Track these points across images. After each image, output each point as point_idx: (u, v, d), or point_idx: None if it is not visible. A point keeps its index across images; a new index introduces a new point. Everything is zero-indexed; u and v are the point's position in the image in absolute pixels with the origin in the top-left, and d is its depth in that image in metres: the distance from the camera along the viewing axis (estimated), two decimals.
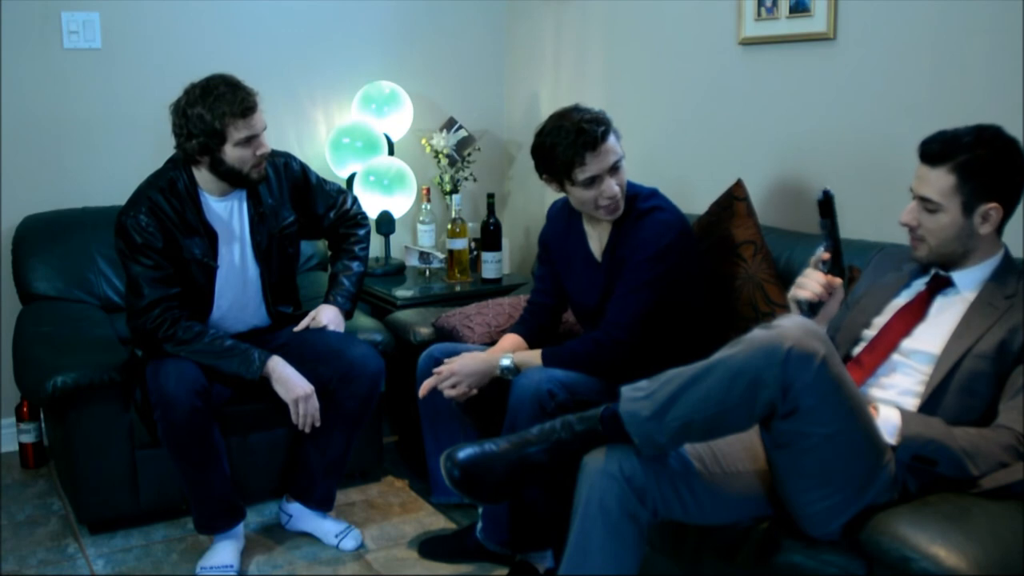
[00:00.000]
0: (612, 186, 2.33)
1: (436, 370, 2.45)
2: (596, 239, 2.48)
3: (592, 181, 2.32)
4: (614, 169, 2.33)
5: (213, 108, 2.41)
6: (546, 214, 2.67)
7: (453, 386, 2.41)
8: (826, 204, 1.98)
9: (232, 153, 2.46)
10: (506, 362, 2.40)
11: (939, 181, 1.88)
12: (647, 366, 2.02)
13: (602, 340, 2.36)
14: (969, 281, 1.95)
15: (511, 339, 2.58)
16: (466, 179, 3.74)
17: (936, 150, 1.88)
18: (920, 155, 1.92)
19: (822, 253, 1.98)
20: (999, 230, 1.94)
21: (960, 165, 1.86)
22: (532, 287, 2.71)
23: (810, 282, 1.95)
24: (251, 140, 2.47)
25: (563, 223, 2.57)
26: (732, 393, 1.69)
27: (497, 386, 2.42)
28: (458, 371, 2.41)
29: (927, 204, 1.91)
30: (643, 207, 2.39)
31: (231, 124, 2.42)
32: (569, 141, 2.29)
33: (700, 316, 2.49)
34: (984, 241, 1.92)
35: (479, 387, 2.42)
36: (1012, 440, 1.76)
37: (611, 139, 2.32)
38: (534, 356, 2.40)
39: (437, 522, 2.82)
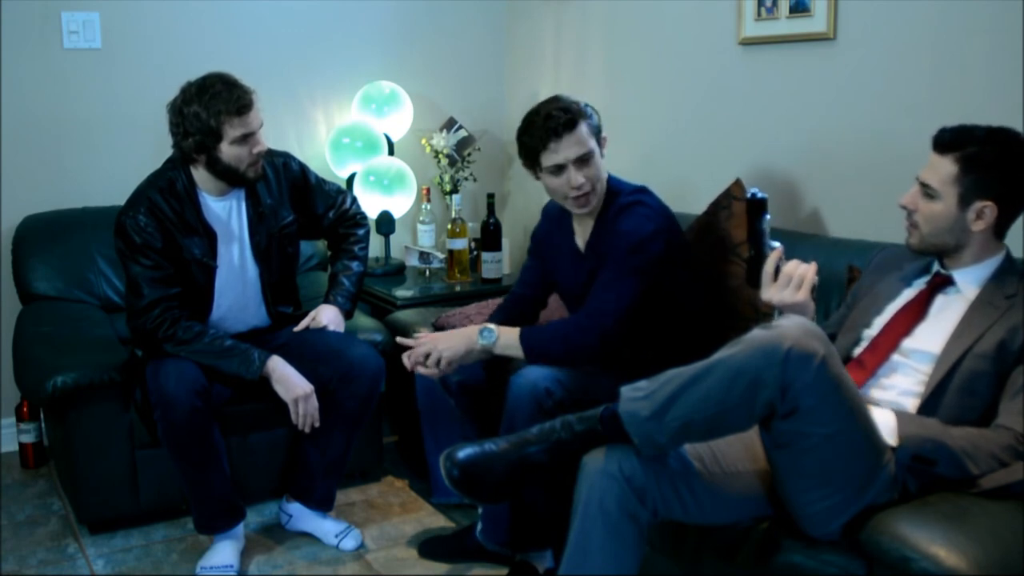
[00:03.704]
0: (577, 177, 2.31)
1: (413, 347, 2.41)
2: (581, 233, 2.49)
3: (558, 169, 2.32)
4: (582, 161, 2.32)
5: (209, 106, 2.41)
6: (542, 211, 2.67)
7: (436, 363, 2.35)
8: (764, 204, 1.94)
9: (228, 151, 2.46)
10: (488, 326, 2.35)
11: (942, 169, 1.89)
12: (642, 364, 2.03)
13: (585, 324, 2.32)
14: (970, 280, 1.95)
15: None
16: (466, 179, 3.74)
17: (947, 138, 1.89)
18: (932, 142, 1.92)
19: (778, 250, 1.91)
20: (1001, 232, 1.94)
21: (966, 157, 1.87)
22: (517, 279, 2.71)
23: (805, 272, 1.89)
24: (247, 138, 2.47)
25: (555, 219, 2.57)
26: (732, 393, 1.69)
27: (495, 381, 2.40)
28: (435, 344, 2.36)
29: (926, 189, 1.92)
30: (625, 202, 2.39)
31: (227, 122, 2.42)
32: (537, 126, 2.30)
33: (697, 318, 2.49)
34: (979, 238, 1.92)
35: (461, 363, 2.37)
36: (1011, 440, 1.76)
37: (580, 131, 2.30)
38: (512, 330, 2.36)
39: (437, 522, 2.82)
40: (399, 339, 2.48)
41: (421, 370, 2.39)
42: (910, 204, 1.96)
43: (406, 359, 2.43)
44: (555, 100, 2.35)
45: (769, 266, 1.92)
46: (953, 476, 1.76)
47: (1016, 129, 1.91)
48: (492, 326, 2.36)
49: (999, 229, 1.93)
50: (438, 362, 2.36)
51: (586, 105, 2.36)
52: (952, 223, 1.91)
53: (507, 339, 2.34)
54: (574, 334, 2.32)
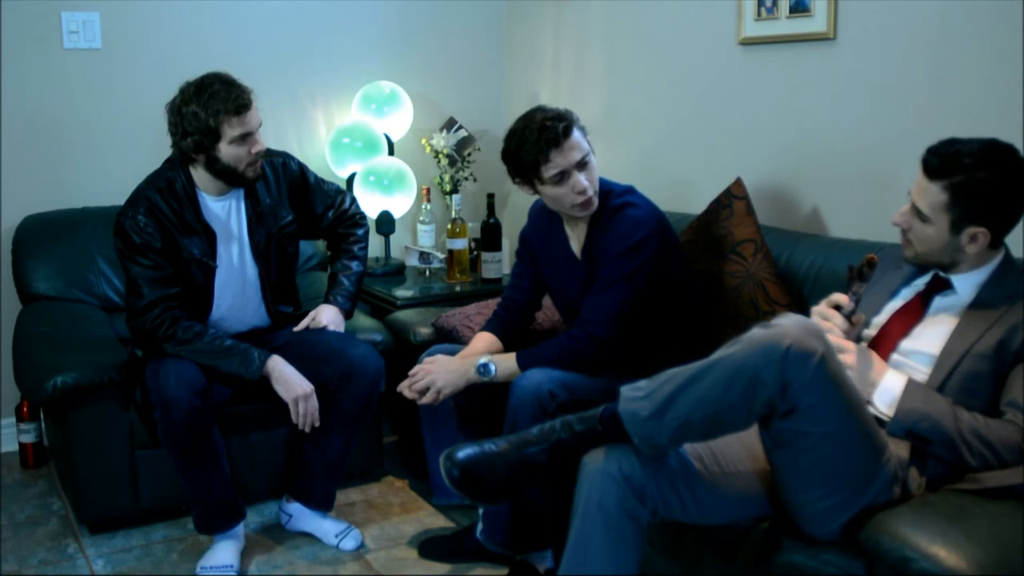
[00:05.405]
0: (581, 180, 2.32)
1: (411, 372, 2.45)
2: (575, 239, 2.49)
3: (560, 178, 2.32)
4: (582, 165, 2.33)
5: (207, 106, 2.41)
6: (528, 212, 2.67)
7: (437, 392, 2.40)
8: (872, 267, 1.97)
9: (227, 151, 2.46)
10: (484, 361, 2.38)
11: (932, 196, 1.86)
12: (637, 363, 2.03)
13: (577, 337, 2.35)
14: (969, 284, 1.95)
15: (485, 338, 2.57)
16: (466, 179, 3.74)
17: (935, 164, 1.86)
18: (921, 164, 1.89)
19: (847, 301, 1.95)
20: (997, 243, 1.92)
21: (955, 185, 1.83)
22: (508, 283, 2.71)
23: (835, 328, 1.92)
24: (246, 137, 2.47)
25: (544, 222, 2.57)
26: (731, 392, 1.69)
27: (493, 388, 2.41)
28: (434, 380, 2.40)
29: (918, 213, 1.91)
30: (615, 203, 2.39)
31: (225, 121, 2.42)
32: (533, 140, 2.30)
33: (694, 317, 2.49)
34: (974, 255, 1.91)
35: (455, 391, 2.41)
36: (1017, 435, 1.76)
37: (575, 135, 2.32)
38: (508, 358, 2.39)
39: (437, 522, 2.82)
40: (399, 388, 2.48)
41: (421, 400, 2.42)
42: (903, 223, 1.96)
43: (406, 390, 2.45)
44: (540, 111, 2.35)
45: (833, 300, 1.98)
46: (947, 459, 1.79)
47: (1008, 143, 1.86)
48: (487, 359, 2.38)
49: (995, 243, 1.91)
50: (437, 394, 2.40)
51: (567, 109, 2.37)
52: (944, 245, 1.90)
53: (505, 367, 2.37)
54: (571, 349, 2.34)
